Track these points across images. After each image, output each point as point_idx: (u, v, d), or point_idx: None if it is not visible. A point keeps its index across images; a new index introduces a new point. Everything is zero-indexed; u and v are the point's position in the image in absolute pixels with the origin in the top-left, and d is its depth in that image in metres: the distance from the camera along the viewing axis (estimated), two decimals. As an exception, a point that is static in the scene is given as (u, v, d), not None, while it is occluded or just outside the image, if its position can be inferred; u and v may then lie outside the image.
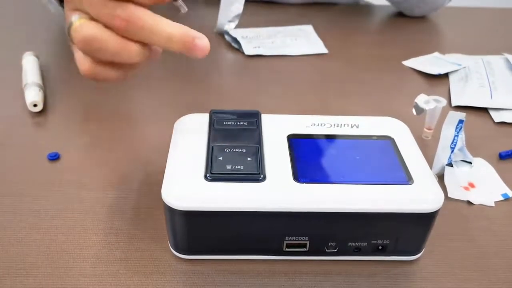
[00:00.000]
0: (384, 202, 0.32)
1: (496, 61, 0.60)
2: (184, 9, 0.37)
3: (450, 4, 0.79)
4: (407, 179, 0.34)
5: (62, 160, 0.44)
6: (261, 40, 0.67)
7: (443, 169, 0.43)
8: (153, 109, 0.51)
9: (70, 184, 0.41)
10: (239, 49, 0.65)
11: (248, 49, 0.64)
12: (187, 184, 0.33)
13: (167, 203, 0.32)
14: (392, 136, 0.38)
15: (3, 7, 0.75)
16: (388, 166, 0.35)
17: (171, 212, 0.32)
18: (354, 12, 0.80)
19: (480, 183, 0.42)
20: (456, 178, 0.42)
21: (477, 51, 0.64)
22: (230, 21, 0.67)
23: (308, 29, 0.71)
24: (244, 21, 0.68)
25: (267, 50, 0.64)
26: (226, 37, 0.67)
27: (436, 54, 0.63)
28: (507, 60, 0.60)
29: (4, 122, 0.49)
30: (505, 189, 0.42)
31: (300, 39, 0.68)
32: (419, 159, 0.36)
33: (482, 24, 0.77)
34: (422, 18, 0.77)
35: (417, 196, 0.33)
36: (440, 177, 0.43)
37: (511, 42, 0.68)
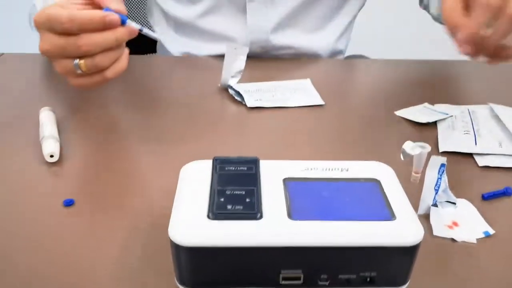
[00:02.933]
0: (369, 236, 0.36)
1: (481, 110, 0.64)
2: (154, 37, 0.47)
3: (440, 57, 0.84)
4: (391, 216, 0.37)
5: (76, 206, 0.47)
6: (262, 93, 0.71)
7: (429, 209, 0.46)
8: (161, 157, 0.56)
9: (83, 226, 0.44)
10: (241, 102, 0.69)
11: (250, 102, 0.69)
12: (191, 223, 0.36)
13: (173, 240, 0.35)
14: (379, 179, 0.42)
15: (21, 66, 0.81)
16: (374, 205, 0.38)
17: (177, 248, 0.36)
18: (350, 66, 0.85)
19: (463, 222, 0.45)
20: (441, 218, 0.46)
21: (464, 101, 0.69)
22: (233, 77, 0.72)
23: (306, 82, 0.76)
24: (246, 76, 0.73)
25: (267, 102, 0.69)
26: (230, 91, 0.72)
27: (425, 104, 0.68)
28: (491, 109, 0.64)
29: (23, 172, 0.53)
30: (486, 227, 0.45)
31: (299, 92, 0.72)
32: (402, 199, 0.39)
33: (469, 76, 0.81)
34: (414, 71, 0.82)
35: (399, 231, 0.36)
36: (426, 217, 0.46)
37: (497, 92, 0.73)
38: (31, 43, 0.83)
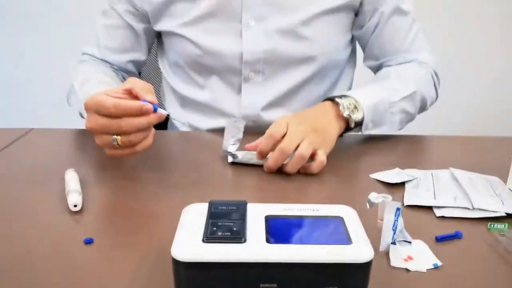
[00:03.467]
0: (331, 255, 0.45)
1: (443, 173, 0.75)
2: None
3: (417, 132, 0.96)
4: (349, 241, 0.47)
5: (95, 243, 0.57)
6: (254, 155, 0.81)
7: (388, 247, 0.56)
8: (166, 202, 0.66)
9: (101, 259, 0.54)
10: (238, 162, 0.80)
11: (245, 161, 0.80)
12: (189, 244, 0.46)
13: (174, 257, 0.45)
14: (342, 216, 0.52)
15: (49, 139, 0.93)
16: (336, 234, 0.48)
17: (177, 263, 0.45)
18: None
19: (417, 256, 0.54)
20: (398, 253, 0.55)
21: (429, 167, 0.79)
22: (232, 144, 0.82)
23: None
24: (242, 146, 0.85)
25: (260, 162, 0.79)
26: (229, 157, 0.82)
27: (396, 169, 0.78)
28: (452, 173, 0.74)
29: (51, 218, 0.63)
30: (436, 260, 0.54)
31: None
32: (359, 230, 0.49)
33: (436, 148, 0.93)
34: (389, 141, 0.93)
35: (354, 252, 0.45)
36: (387, 253, 0.55)
37: (458, 160, 0.83)
38: (57, 119, 0.96)
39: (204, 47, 0.97)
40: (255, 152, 0.81)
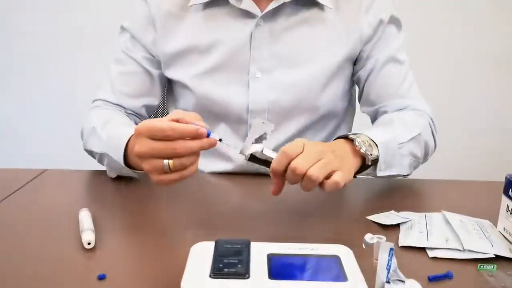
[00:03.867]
0: (327, 292, 0.49)
1: (436, 216, 0.79)
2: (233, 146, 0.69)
3: (412, 176, 1.00)
4: (344, 279, 0.51)
5: (108, 279, 0.61)
6: None
7: (383, 285, 0.59)
8: (176, 238, 0.70)
9: (115, 292, 0.58)
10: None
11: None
12: (198, 280, 0.50)
13: (184, 291, 0.49)
14: (339, 255, 0.56)
15: (62, 180, 0.98)
16: (333, 271, 0.52)
17: (186, 297, 0.49)
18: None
19: (410, 294, 0.58)
20: (392, 290, 0.58)
21: (423, 210, 0.83)
22: (254, 143, 0.75)
23: None
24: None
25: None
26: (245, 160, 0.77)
27: (392, 211, 0.82)
28: (444, 215, 0.79)
29: (66, 255, 0.67)
30: (427, 298, 0.58)
31: None
32: (354, 268, 0.53)
33: (429, 192, 0.98)
34: (385, 185, 0.97)
35: (349, 288, 0.49)
36: (382, 291, 0.59)
37: (450, 203, 0.87)
38: (69, 160, 1.01)
39: (213, 97, 1.02)
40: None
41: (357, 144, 0.83)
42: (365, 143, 0.84)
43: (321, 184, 0.74)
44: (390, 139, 0.89)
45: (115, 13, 1.49)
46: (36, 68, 2.29)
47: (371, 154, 0.84)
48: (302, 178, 0.72)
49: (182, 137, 0.70)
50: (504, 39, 2.29)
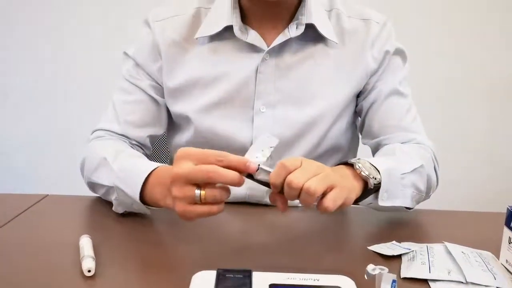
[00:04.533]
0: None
1: (437, 247, 0.79)
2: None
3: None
4: (347, 310, 0.50)
5: (108, 308, 0.61)
6: None
7: (386, 317, 0.59)
8: (176, 267, 0.70)
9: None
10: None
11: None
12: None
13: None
14: (341, 286, 0.55)
15: (64, 205, 0.98)
16: (335, 303, 0.52)
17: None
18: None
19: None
20: (394, 323, 0.58)
21: (424, 241, 0.83)
22: (257, 157, 0.73)
23: None
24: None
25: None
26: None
27: (394, 242, 0.82)
28: (446, 247, 0.78)
29: (66, 282, 0.67)
30: (430, 331, 0.57)
31: None
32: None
33: (431, 222, 0.98)
34: (386, 215, 0.97)
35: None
36: (385, 323, 0.58)
37: (452, 234, 0.87)
38: (70, 187, 1.01)
39: (217, 132, 1.01)
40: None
41: (357, 167, 0.81)
42: (366, 166, 0.82)
43: (319, 204, 0.71)
44: (393, 168, 0.87)
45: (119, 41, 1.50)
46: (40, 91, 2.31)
47: (373, 178, 0.81)
48: (299, 192, 0.70)
49: (231, 166, 0.69)
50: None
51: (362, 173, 0.81)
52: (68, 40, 2.26)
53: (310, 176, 0.70)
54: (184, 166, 0.70)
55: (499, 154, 2.38)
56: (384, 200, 0.86)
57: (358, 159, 0.84)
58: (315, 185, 0.69)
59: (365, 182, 0.82)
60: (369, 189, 0.83)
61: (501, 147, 2.38)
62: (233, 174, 0.68)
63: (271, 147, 0.74)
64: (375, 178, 0.82)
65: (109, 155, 0.93)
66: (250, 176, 0.72)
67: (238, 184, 0.69)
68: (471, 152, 2.36)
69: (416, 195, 0.93)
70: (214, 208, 0.70)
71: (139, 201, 0.83)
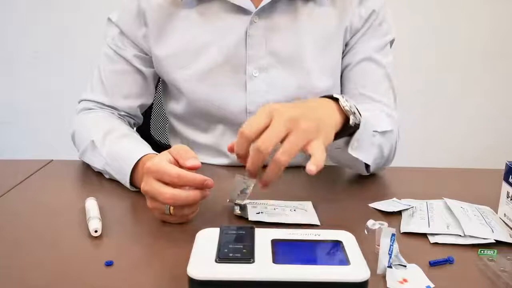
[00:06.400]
0: (330, 275, 0.50)
1: (437, 203, 0.80)
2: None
3: (415, 164, 1.01)
4: (347, 263, 0.52)
5: (115, 266, 0.62)
6: (265, 205, 0.79)
7: (385, 270, 0.60)
8: (181, 225, 0.71)
9: (120, 280, 0.59)
10: (244, 216, 0.75)
11: (251, 215, 0.75)
12: (204, 264, 0.51)
13: (190, 276, 0.50)
14: (341, 240, 0.57)
15: (67, 169, 0.99)
16: (336, 256, 0.53)
17: (192, 282, 0.50)
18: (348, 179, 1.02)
19: (411, 279, 0.59)
20: (394, 275, 0.59)
21: (425, 197, 0.84)
22: (238, 196, 0.76)
23: (308, 204, 0.81)
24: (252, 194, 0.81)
25: (267, 217, 0.74)
26: (235, 207, 0.77)
27: (394, 199, 0.83)
28: (445, 202, 0.80)
29: (73, 244, 0.68)
30: (429, 283, 0.59)
31: (298, 211, 0.78)
32: (357, 252, 0.54)
33: (431, 180, 0.99)
34: (387, 173, 0.98)
35: (352, 272, 0.51)
36: (384, 276, 0.60)
37: (451, 191, 0.88)
38: (74, 152, 1.02)
39: (210, 100, 1.00)
40: (264, 203, 0.80)
41: (341, 102, 0.77)
42: (351, 104, 0.78)
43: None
44: (368, 120, 0.83)
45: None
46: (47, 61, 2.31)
47: (354, 113, 0.78)
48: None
49: (187, 185, 0.69)
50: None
51: (346, 107, 0.77)
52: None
53: (278, 137, 0.67)
54: (150, 185, 0.70)
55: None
56: (353, 149, 0.83)
57: (343, 95, 0.80)
58: (284, 156, 0.66)
59: (345, 120, 0.78)
60: (348, 127, 0.79)
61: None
62: (193, 196, 0.69)
63: (249, 187, 0.74)
64: (356, 118, 0.79)
65: (97, 137, 0.92)
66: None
67: (201, 199, 0.71)
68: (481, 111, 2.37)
69: (378, 158, 0.91)
70: (184, 219, 0.73)
71: (130, 187, 0.85)
